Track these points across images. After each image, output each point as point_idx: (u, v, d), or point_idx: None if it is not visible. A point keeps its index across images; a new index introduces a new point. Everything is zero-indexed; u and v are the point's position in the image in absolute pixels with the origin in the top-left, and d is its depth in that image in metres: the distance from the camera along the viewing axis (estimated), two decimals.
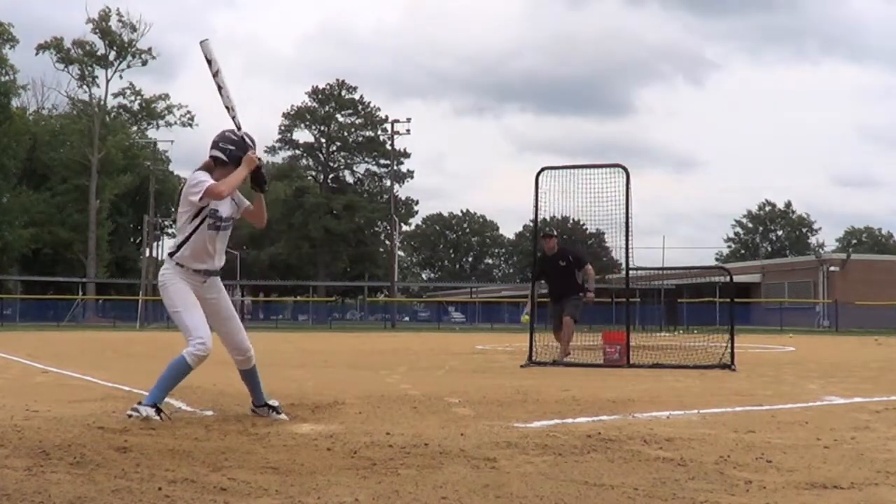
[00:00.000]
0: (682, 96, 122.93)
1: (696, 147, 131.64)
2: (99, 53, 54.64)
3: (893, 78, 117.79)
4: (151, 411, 4.54)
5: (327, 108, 67.93)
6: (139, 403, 4.63)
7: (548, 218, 11.01)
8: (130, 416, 4.56)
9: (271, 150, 68.14)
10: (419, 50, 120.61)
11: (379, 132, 66.41)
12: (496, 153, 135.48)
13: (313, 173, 69.48)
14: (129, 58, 54.97)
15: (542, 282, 11.34)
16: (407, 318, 57.30)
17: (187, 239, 4.72)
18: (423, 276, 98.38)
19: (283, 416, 4.90)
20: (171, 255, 4.80)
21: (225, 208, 4.82)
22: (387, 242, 65.73)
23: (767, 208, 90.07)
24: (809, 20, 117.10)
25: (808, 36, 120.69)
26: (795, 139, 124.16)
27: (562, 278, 10.67)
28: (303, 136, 68.66)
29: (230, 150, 4.78)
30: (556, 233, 11.15)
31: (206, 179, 4.68)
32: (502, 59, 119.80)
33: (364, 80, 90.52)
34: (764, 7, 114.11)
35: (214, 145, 4.82)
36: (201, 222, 4.71)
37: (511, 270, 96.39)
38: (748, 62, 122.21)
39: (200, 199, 4.65)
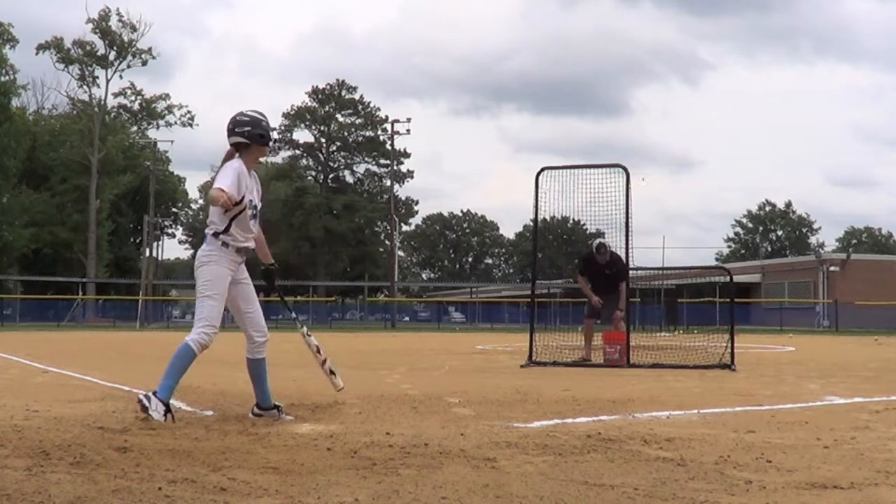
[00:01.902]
0: (677, 96, 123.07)
1: (695, 147, 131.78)
2: (99, 53, 54.70)
3: (887, 78, 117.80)
4: (162, 409, 4.52)
5: (327, 108, 67.95)
6: (153, 393, 4.58)
7: (548, 218, 10.99)
8: (141, 401, 4.54)
9: (271, 150, 68.10)
10: (415, 50, 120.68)
11: (379, 132, 66.48)
12: (494, 153, 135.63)
13: (313, 173, 69.50)
14: (129, 58, 55.05)
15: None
16: (407, 318, 57.32)
17: (232, 220, 4.78)
18: (423, 276, 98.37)
19: (289, 417, 4.93)
20: (216, 234, 4.79)
21: (256, 197, 4.91)
22: (387, 242, 65.74)
23: (767, 208, 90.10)
24: (803, 20, 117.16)
25: (803, 36, 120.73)
26: (794, 139, 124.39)
27: (606, 285, 10.67)
28: (303, 136, 68.82)
29: (247, 132, 4.83)
30: (609, 248, 10.80)
31: (230, 184, 4.71)
32: (498, 60, 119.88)
33: (361, 81, 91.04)
34: (758, 7, 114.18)
35: (231, 132, 4.86)
36: (236, 215, 4.77)
37: (511, 270, 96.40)
38: (743, 62, 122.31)
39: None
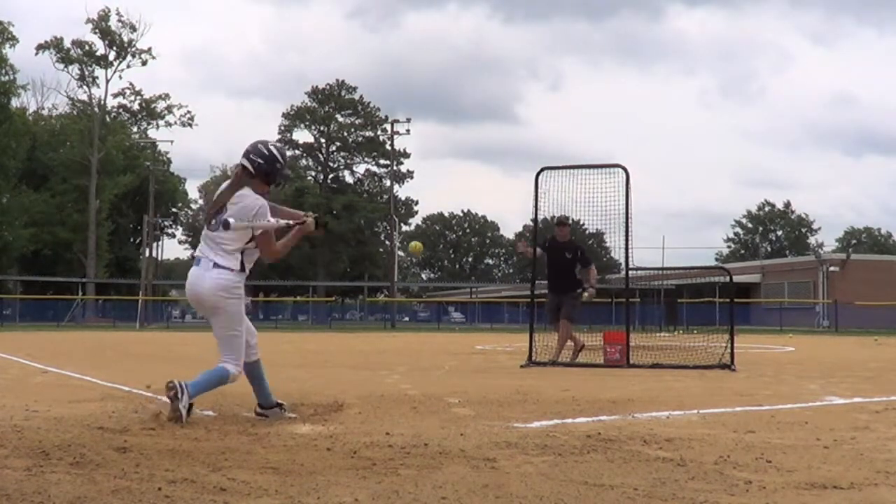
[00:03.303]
0: (675, 94, 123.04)
1: (693, 145, 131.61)
2: (98, 53, 54.71)
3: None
4: (187, 408, 4.52)
5: (327, 109, 67.91)
6: (188, 386, 4.56)
7: (548, 218, 10.99)
8: (176, 387, 4.50)
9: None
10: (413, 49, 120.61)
11: (378, 132, 66.46)
12: (495, 153, 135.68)
13: (313, 173, 69.47)
14: (129, 58, 55.06)
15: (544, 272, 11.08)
16: (407, 318, 57.32)
17: (244, 253, 4.82)
18: (423, 276, 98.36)
19: (292, 415, 4.97)
20: (239, 270, 4.80)
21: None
22: (387, 242, 65.73)
23: (767, 208, 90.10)
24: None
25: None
26: (793, 138, 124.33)
27: (564, 270, 10.50)
28: (302, 136, 68.72)
29: (258, 164, 4.82)
30: (570, 222, 10.75)
31: (270, 218, 4.81)
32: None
33: (361, 81, 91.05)
34: None
35: (245, 154, 4.86)
36: (250, 240, 4.82)
37: (511, 271, 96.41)
38: (729, 61, 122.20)
39: (254, 225, 4.73)
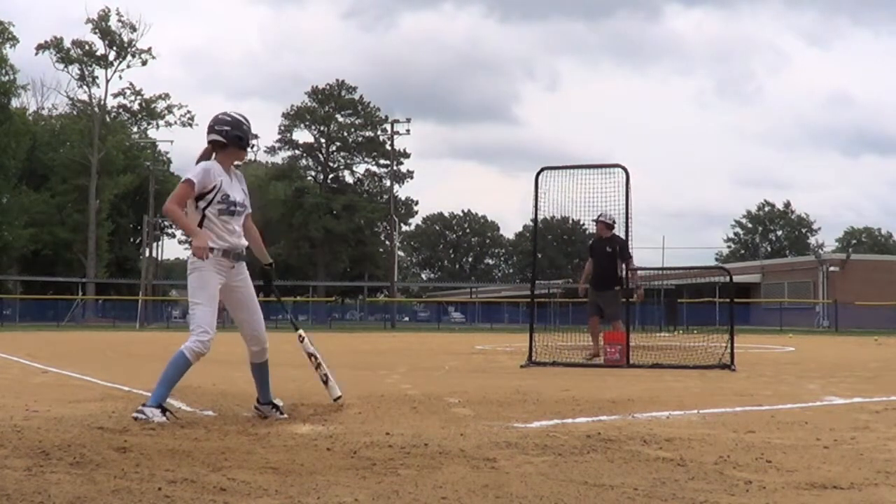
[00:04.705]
0: (673, 94, 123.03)
1: (692, 145, 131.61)
2: (98, 53, 54.72)
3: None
4: (157, 412, 4.53)
5: (327, 109, 67.91)
6: (143, 405, 4.62)
7: (548, 218, 11.01)
8: (136, 418, 4.54)
9: (271, 151, 68.42)
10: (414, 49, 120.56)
11: (378, 132, 66.46)
12: (494, 153, 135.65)
13: (313, 173, 69.48)
14: (129, 58, 55.06)
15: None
16: (407, 318, 57.33)
17: (203, 216, 4.71)
18: (423, 276, 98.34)
19: (283, 416, 4.94)
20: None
21: (237, 194, 4.83)
22: (387, 242, 65.72)
23: (767, 208, 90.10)
24: None
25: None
26: (790, 139, 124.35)
27: (604, 265, 10.62)
28: (302, 136, 68.76)
29: (227, 131, 4.81)
30: (611, 222, 10.67)
31: (197, 173, 4.71)
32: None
33: (361, 81, 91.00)
34: None
35: (210, 130, 4.84)
36: (207, 205, 4.71)
37: (511, 271, 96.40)
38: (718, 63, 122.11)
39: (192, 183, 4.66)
